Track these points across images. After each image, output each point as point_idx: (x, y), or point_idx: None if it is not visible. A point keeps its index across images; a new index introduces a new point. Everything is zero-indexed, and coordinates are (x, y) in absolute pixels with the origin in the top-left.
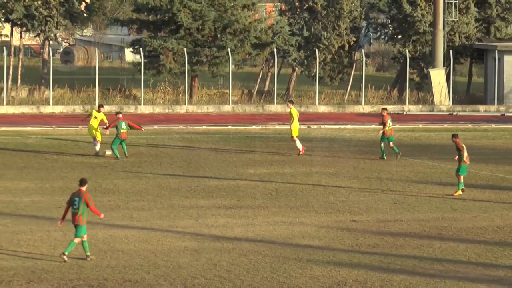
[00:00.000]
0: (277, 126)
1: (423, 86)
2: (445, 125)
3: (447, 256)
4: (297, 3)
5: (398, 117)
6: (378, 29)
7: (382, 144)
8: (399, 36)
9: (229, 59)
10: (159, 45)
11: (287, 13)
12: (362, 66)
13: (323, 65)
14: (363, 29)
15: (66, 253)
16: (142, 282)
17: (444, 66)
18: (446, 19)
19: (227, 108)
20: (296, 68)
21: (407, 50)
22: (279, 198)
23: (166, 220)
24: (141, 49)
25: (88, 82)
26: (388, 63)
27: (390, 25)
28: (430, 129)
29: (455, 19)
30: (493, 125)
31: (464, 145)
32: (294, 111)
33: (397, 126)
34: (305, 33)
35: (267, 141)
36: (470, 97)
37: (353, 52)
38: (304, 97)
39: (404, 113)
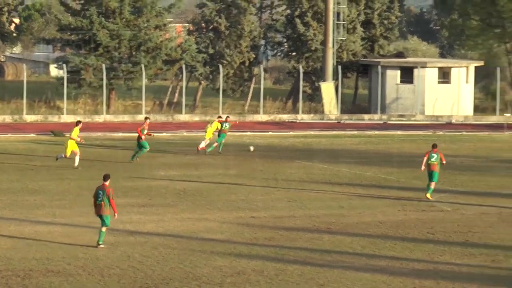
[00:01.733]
0: (185, 133)
1: (315, 97)
2: (334, 132)
3: (335, 248)
4: (203, 24)
5: (292, 125)
6: (275, 47)
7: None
8: (294, 53)
9: (142, 74)
10: (80, 61)
11: (194, 33)
12: (261, 79)
13: (226, 79)
14: (262, 47)
15: (101, 242)
16: (64, 272)
17: (333, 79)
18: (335, 38)
19: (141, 117)
20: (202, 82)
21: (300, 66)
22: (187, 197)
23: (86, 217)
24: (64, 65)
25: (16, 94)
26: (283, 77)
27: (285, 44)
28: (321, 135)
29: (343, 38)
30: (376, 132)
31: (433, 154)
32: (217, 124)
33: (291, 133)
34: (210, 51)
35: (176, 147)
36: (356, 107)
37: (253, 68)
38: (209, 108)
39: (298, 121)
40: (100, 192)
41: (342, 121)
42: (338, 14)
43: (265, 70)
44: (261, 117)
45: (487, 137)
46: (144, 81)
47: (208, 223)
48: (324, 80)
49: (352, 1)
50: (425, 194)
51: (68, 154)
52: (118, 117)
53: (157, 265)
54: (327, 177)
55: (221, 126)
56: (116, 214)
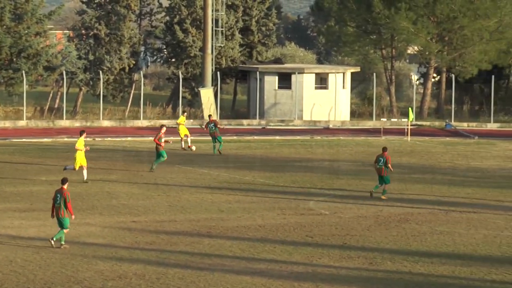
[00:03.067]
0: (66, 139)
1: (195, 103)
2: None
3: (215, 251)
4: (83, 31)
5: (173, 131)
6: (155, 53)
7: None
8: (173, 59)
9: (23, 80)
10: None
11: (74, 40)
12: (141, 85)
13: (106, 85)
14: (142, 53)
15: (63, 242)
16: None
17: (212, 85)
18: (214, 44)
19: (22, 123)
20: (83, 88)
21: (180, 72)
22: None
23: None
24: None
25: None
26: (163, 83)
27: (165, 50)
28: (200, 140)
29: (222, 45)
30: (255, 137)
31: (380, 158)
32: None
33: (172, 138)
34: (91, 57)
35: (57, 152)
36: (235, 113)
37: (133, 74)
38: (90, 113)
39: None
40: (58, 195)
41: (221, 126)
42: (217, 20)
43: (145, 76)
44: (142, 122)
45: (364, 142)
46: (25, 87)
47: (90, 228)
48: (204, 86)
49: (230, 8)
50: (381, 196)
51: (77, 167)
52: None
53: (39, 269)
54: (207, 182)
55: (209, 130)
56: (72, 216)
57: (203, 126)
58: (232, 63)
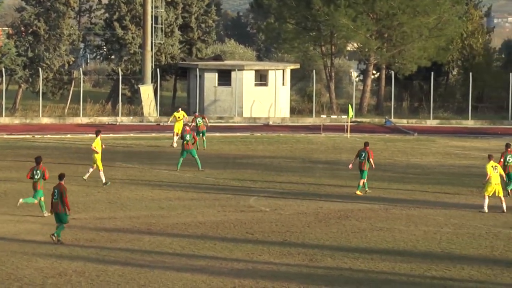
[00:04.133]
0: (5, 136)
1: (134, 100)
2: (153, 134)
3: (155, 248)
4: (22, 28)
5: (112, 128)
6: (94, 50)
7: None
8: (113, 56)
9: None
10: None
11: (13, 37)
12: (80, 82)
13: (46, 82)
14: (81, 50)
15: (58, 237)
16: None
17: (152, 82)
18: (153, 41)
19: None
20: (22, 85)
21: (119, 69)
22: (8, 199)
23: None
24: None
25: None
26: (103, 80)
27: (104, 47)
28: (140, 137)
29: (161, 42)
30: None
31: (362, 153)
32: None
33: (111, 135)
34: (30, 54)
35: None
36: (175, 110)
37: (72, 71)
38: (29, 110)
39: (117, 123)
40: (56, 190)
41: (161, 123)
42: (156, 17)
43: (85, 73)
44: (81, 119)
45: (304, 139)
46: None
47: (30, 225)
48: (143, 83)
49: (169, 5)
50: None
51: (101, 167)
52: None
53: None
54: (147, 179)
55: (197, 123)
56: (69, 211)
57: (191, 122)
58: (171, 60)
